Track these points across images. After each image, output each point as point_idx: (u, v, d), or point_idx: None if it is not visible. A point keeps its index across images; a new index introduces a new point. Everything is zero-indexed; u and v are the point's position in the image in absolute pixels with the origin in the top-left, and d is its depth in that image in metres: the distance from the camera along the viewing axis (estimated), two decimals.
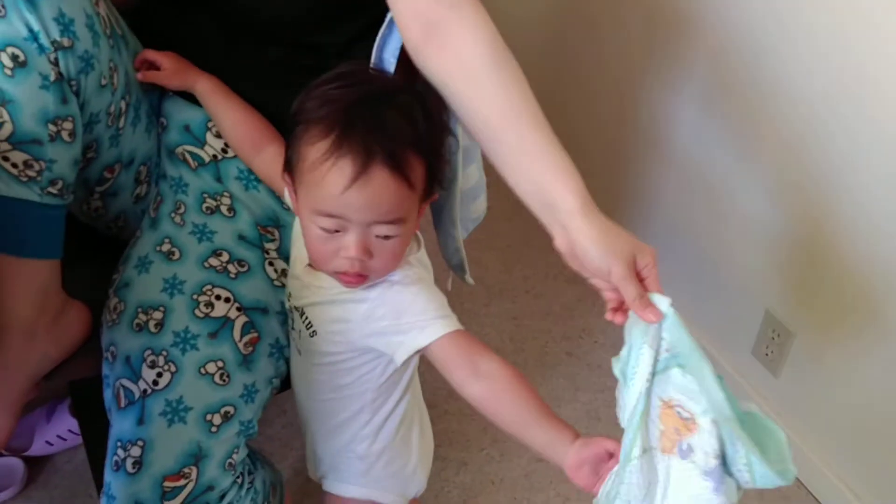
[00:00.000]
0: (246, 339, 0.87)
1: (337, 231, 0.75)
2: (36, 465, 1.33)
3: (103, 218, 0.96)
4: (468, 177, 1.18)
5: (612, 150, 1.65)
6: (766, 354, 1.36)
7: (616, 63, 1.61)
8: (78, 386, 0.93)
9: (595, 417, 1.45)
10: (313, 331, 0.85)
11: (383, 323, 0.80)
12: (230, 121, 0.91)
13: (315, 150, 0.73)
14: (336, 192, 0.72)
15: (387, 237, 0.76)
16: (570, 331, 1.62)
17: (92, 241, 1.01)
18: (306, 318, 0.86)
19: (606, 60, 1.65)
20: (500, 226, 1.87)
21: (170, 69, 0.91)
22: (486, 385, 0.78)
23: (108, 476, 0.82)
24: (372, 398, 0.89)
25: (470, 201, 1.22)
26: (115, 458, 0.82)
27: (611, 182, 1.68)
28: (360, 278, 0.78)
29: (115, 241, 0.98)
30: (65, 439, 1.33)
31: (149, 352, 0.83)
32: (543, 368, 1.54)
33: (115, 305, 0.88)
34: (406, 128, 0.74)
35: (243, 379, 0.86)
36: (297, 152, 0.76)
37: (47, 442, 1.34)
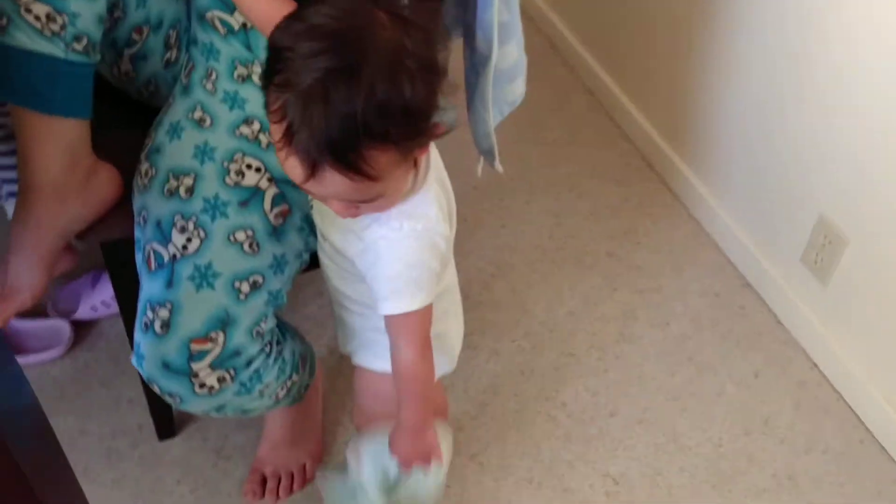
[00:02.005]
0: (276, 210, 0.86)
1: None
2: (82, 329, 1.38)
3: (134, 82, 0.94)
4: (505, 55, 1.12)
5: (676, 62, 1.57)
6: (815, 262, 1.31)
7: None
8: (110, 248, 0.94)
9: (632, 317, 1.43)
10: (324, 237, 0.85)
11: (369, 269, 0.80)
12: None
13: (274, 129, 0.67)
14: (297, 180, 0.68)
15: (366, 202, 0.72)
16: (613, 231, 1.58)
17: (125, 106, 1.01)
18: (320, 221, 0.85)
19: None
20: (547, 119, 1.81)
21: None
22: (396, 362, 0.84)
23: (138, 336, 0.83)
24: None
25: (506, 82, 1.16)
26: (145, 319, 0.83)
27: (674, 88, 1.60)
28: (354, 215, 0.76)
29: (148, 107, 0.97)
30: (109, 306, 1.37)
31: (179, 217, 0.83)
32: (581, 268, 1.51)
33: (146, 170, 0.87)
34: (368, 116, 0.64)
35: (273, 250, 0.86)
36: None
37: (92, 307, 1.38)
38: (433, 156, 0.81)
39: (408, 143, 0.68)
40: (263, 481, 1.19)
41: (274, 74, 0.65)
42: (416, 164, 0.75)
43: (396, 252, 0.77)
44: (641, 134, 1.71)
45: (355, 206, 0.72)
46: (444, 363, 0.99)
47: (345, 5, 0.66)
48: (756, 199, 1.43)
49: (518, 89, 1.22)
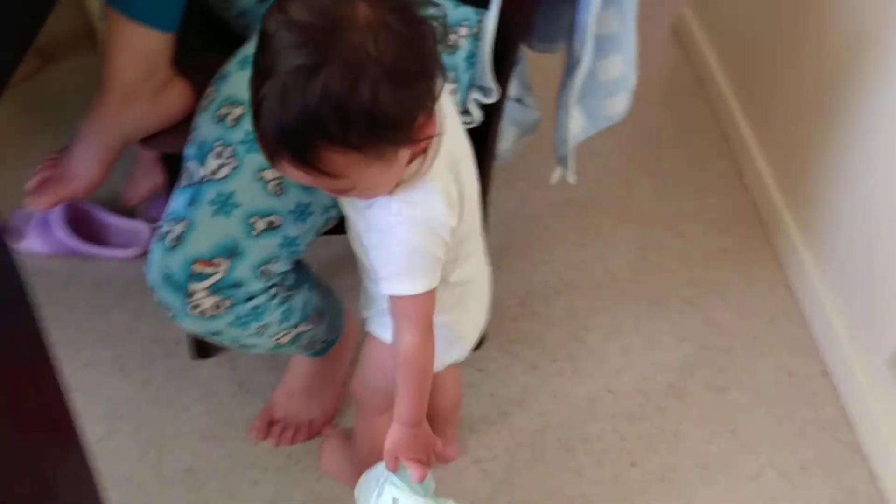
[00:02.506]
0: None
1: None
2: None
3: (229, 11, 0.98)
4: (607, 68, 1.08)
5: (814, 117, 1.45)
6: None
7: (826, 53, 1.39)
8: (170, 159, 0.98)
9: (689, 372, 1.35)
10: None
11: (371, 249, 0.81)
12: None
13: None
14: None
15: (339, 192, 0.73)
16: (699, 279, 1.49)
17: (224, 36, 1.05)
18: None
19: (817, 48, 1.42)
20: (669, 152, 1.74)
21: None
22: (400, 348, 0.83)
23: (153, 243, 0.87)
24: None
25: (604, 96, 1.12)
26: (162, 231, 0.86)
27: (804, 143, 1.49)
28: (339, 196, 0.77)
29: (241, 39, 1.01)
30: None
31: (220, 143, 0.86)
32: (653, 308, 1.44)
33: (209, 93, 0.90)
34: (324, 116, 0.64)
35: (298, 197, 0.87)
36: None
37: None
38: (450, 143, 0.79)
39: (375, 147, 0.67)
40: (271, 424, 1.21)
41: (259, 56, 0.67)
42: (411, 158, 0.74)
43: (396, 236, 0.76)
44: (760, 183, 1.60)
45: (335, 190, 0.73)
46: (453, 351, 0.97)
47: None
48: (859, 283, 1.31)
49: (619, 106, 1.17)
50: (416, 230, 0.76)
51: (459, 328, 0.95)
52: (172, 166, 1.00)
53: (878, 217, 1.26)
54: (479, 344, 1.35)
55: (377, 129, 0.66)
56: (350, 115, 0.65)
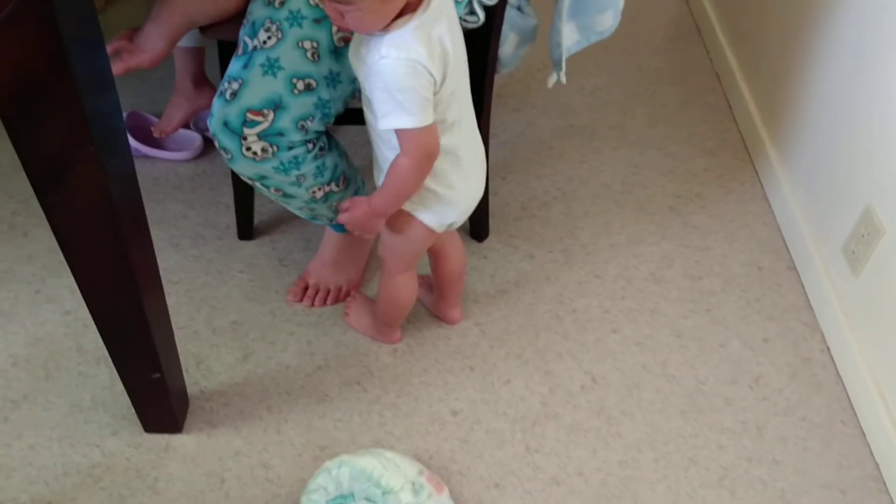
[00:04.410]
0: (340, 35, 1.07)
1: None
2: (210, 146, 1.67)
3: None
4: None
5: (786, 44, 1.63)
6: (853, 252, 1.36)
7: None
8: (225, 45, 1.19)
9: (669, 264, 1.53)
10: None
11: (370, 92, 0.98)
12: None
13: None
14: None
15: (342, 12, 0.91)
16: (683, 191, 1.67)
17: None
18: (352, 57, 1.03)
19: None
20: (665, 87, 1.92)
21: None
22: (395, 163, 1.02)
23: (214, 101, 1.08)
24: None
25: (595, 12, 1.30)
26: (222, 88, 1.07)
27: (780, 69, 1.66)
28: (340, 24, 0.95)
29: None
30: None
31: (269, 20, 1.06)
32: (639, 213, 1.62)
33: None
34: None
35: (330, 64, 1.07)
36: None
37: None
38: (442, 25, 0.96)
39: None
40: (305, 289, 1.42)
41: None
42: (402, 12, 0.91)
43: (386, 76, 0.94)
44: (746, 114, 1.78)
45: (338, 13, 0.91)
46: (448, 213, 1.13)
47: None
48: (820, 186, 1.48)
49: (608, 21, 1.35)
50: (400, 69, 0.93)
51: (451, 195, 1.11)
52: (225, 54, 1.21)
53: (838, 131, 1.44)
54: (484, 237, 1.55)
55: None
56: None
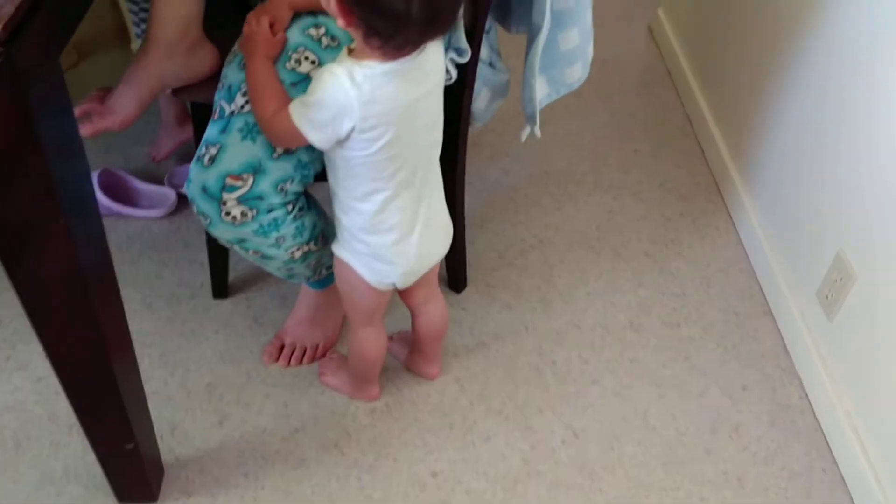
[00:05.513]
0: None
1: None
2: (183, 202, 1.66)
3: None
4: (567, 39, 1.28)
5: (757, 83, 1.66)
6: (827, 297, 1.37)
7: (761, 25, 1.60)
8: (198, 107, 1.19)
9: (647, 311, 1.53)
10: None
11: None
12: None
13: None
14: None
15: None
16: (658, 236, 1.68)
17: (243, 12, 1.25)
18: None
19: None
20: (637, 131, 1.94)
21: None
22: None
23: (192, 166, 1.07)
24: (340, 175, 1.05)
25: (565, 65, 1.32)
26: (200, 153, 1.06)
27: (750, 109, 1.69)
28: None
29: None
30: None
31: (245, 84, 1.06)
32: (615, 260, 1.63)
33: (233, 51, 1.11)
34: None
35: None
36: None
37: None
38: (417, 89, 0.97)
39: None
40: (281, 348, 1.40)
41: None
42: (366, 39, 0.91)
43: (322, 79, 0.95)
44: (718, 158, 1.80)
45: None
46: (385, 272, 1.12)
47: None
48: (794, 234, 1.50)
49: (577, 73, 1.37)
50: (334, 85, 0.94)
51: (384, 254, 1.10)
52: (199, 115, 1.21)
53: (809, 182, 1.46)
54: (462, 287, 1.55)
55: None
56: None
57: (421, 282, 1.18)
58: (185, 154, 1.73)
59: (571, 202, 1.75)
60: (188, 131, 1.60)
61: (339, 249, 1.13)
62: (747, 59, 1.71)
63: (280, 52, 1.04)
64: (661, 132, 1.94)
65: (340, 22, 0.91)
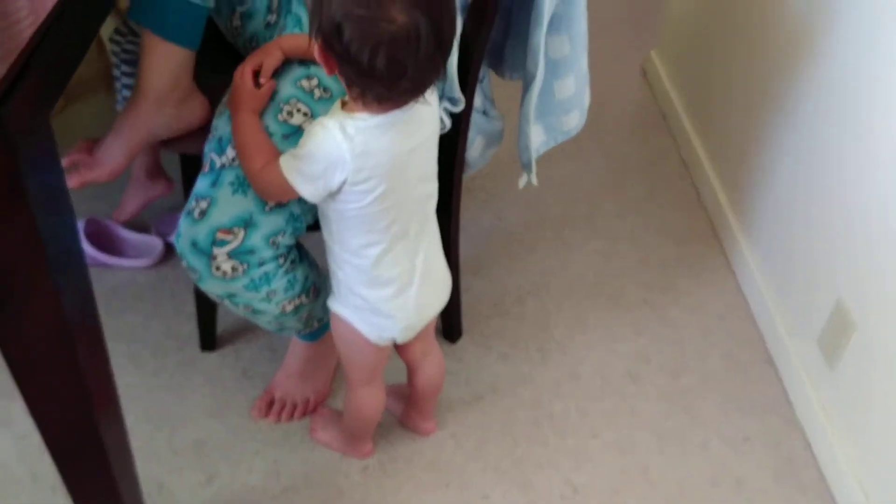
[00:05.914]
0: None
1: None
2: (171, 252, 1.62)
3: (241, 37, 1.17)
4: (563, 87, 1.27)
5: (754, 131, 1.65)
6: (829, 345, 1.34)
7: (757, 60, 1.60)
8: (188, 159, 1.16)
9: (646, 360, 1.50)
10: None
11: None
12: None
13: None
14: None
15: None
16: (656, 283, 1.66)
17: (234, 59, 1.24)
18: None
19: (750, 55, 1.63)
20: (633, 175, 1.92)
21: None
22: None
23: (181, 219, 1.04)
24: (334, 228, 1.02)
25: (562, 113, 1.30)
26: (189, 206, 1.04)
27: (747, 155, 1.68)
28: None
29: None
30: None
31: None
32: (613, 307, 1.60)
33: (225, 101, 1.09)
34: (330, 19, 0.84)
35: None
36: None
37: None
38: (409, 141, 0.96)
39: (324, 44, 0.87)
40: (271, 403, 1.36)
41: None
42: (348, 90, 0.91)
43: (313, 133, 0.94)
44: (714, 202, 1.78)
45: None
46: (384, 326, 1.09)
47: None
48: (789, 276, 1.48)
49: (573, 121, 1.35)
50: (319, 131, 0.93)
51: (383, 308, 1.07)
52: (188, 167, 1.18)
53: (806, 227, 1.44)
54: (457, 337, 1.51)
55: (333, 37, 0.85)
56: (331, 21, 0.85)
57: (419, 335, 1.15)
58: (174, 205, 1.70)
59: (567, 248, 1.73)
60: (158, 188, 1.56)
61: (336, 305, 1.10)
62: (741, 101, 1.70)
63: (266, 105, 1.02)
64: (656, 175, 1.93)
65: (326, 69, 0.89)
